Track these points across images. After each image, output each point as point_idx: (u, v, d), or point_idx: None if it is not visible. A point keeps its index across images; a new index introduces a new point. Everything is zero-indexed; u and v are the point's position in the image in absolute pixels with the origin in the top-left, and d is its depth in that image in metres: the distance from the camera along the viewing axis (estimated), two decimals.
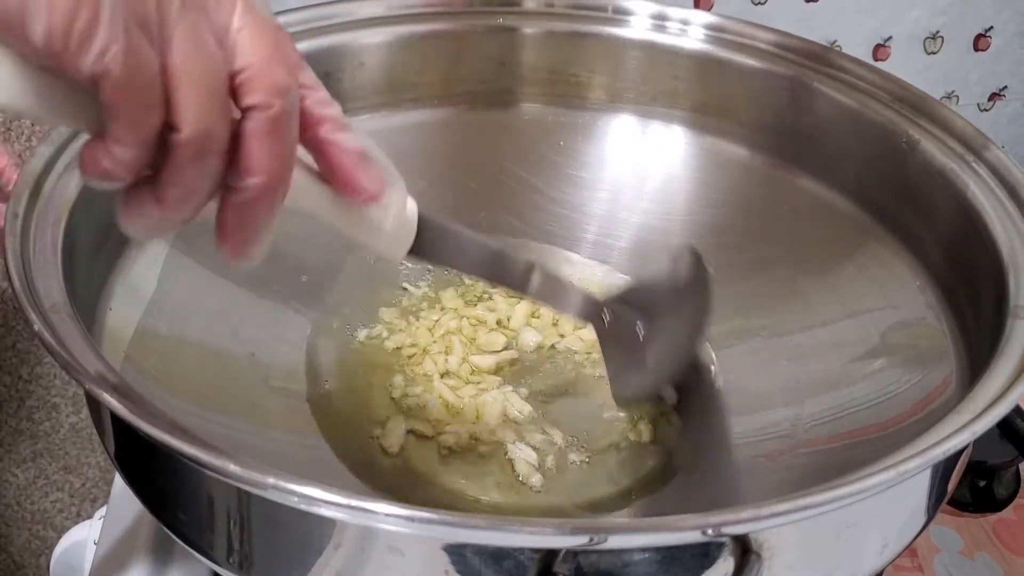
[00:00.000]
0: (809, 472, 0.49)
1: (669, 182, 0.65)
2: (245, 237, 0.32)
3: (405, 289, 0.61)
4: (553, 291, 0.47)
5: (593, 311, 0.49)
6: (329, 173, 0.35)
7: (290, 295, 0.58)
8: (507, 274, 0.46)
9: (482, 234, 0.44)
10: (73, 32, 0.26)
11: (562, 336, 0.59)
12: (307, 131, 0.33)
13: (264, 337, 0.55)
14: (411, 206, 0.40)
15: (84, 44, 0.26)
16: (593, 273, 0.63)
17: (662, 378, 0.52)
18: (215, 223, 0.32)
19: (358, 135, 0.35)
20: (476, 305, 0.60)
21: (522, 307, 0.60)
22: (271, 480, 0.33)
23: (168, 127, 0.29)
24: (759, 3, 0.87)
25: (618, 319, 0.50)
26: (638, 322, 0.50)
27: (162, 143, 0.29)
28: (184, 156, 0.29)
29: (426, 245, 0.41)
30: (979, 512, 0.63)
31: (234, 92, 0.30)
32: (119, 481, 0.55)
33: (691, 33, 0.64)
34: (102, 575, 0.49)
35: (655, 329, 0.49)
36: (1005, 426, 0.47)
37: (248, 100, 0.30)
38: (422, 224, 0.40)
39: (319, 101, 0.34)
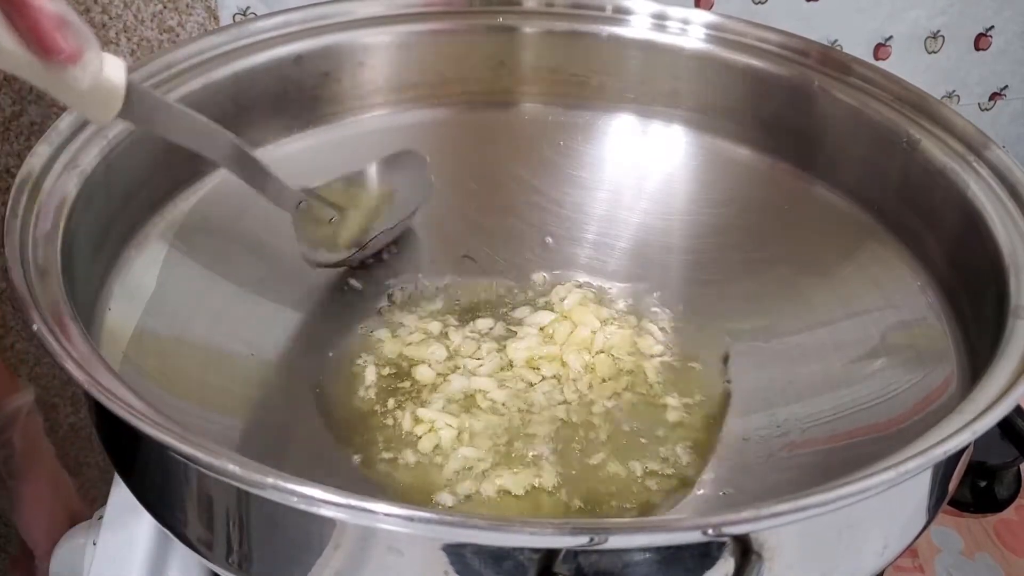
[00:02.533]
0: (809, 472, 0.49)
1: (669, 182, 0.65)
2: None
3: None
4: (252, 173, 0.51)
5: (289, 200, 0.54)
6: (27, 34, 0.37)
7: (290, 295, 0.58)
8: (210, 147, 0.49)
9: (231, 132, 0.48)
10: None
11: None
12: None
13: (264, 337, 0.55)
14: (116, 72, 0.41)
15: None
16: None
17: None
18: None
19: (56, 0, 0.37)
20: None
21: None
22: (271, 480, 0.33)
23: None
24: (759, 3, 0.87)
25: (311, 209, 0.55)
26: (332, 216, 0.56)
27: None
28: None
29: (137, 111, 0.43)
30: (980, 513, 0.63)
31: None
32: (119, 481, 0.55)
33: (691, 33, 0.64)
34: (102, 575, 0.49)
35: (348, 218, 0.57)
36: (1006, 426, 0.47)
37: None
38: (132, 91, 0.42)
39: None
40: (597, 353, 0.58)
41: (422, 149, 0.64)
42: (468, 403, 0.55)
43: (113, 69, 0.41)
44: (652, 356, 0.58)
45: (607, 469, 0.51)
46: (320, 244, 0.57)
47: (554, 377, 0.57)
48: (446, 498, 0.49)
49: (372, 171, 0.59)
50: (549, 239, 0.65)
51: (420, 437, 0.52)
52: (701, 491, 0.51)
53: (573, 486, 0.51)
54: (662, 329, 0.60)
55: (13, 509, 0.68)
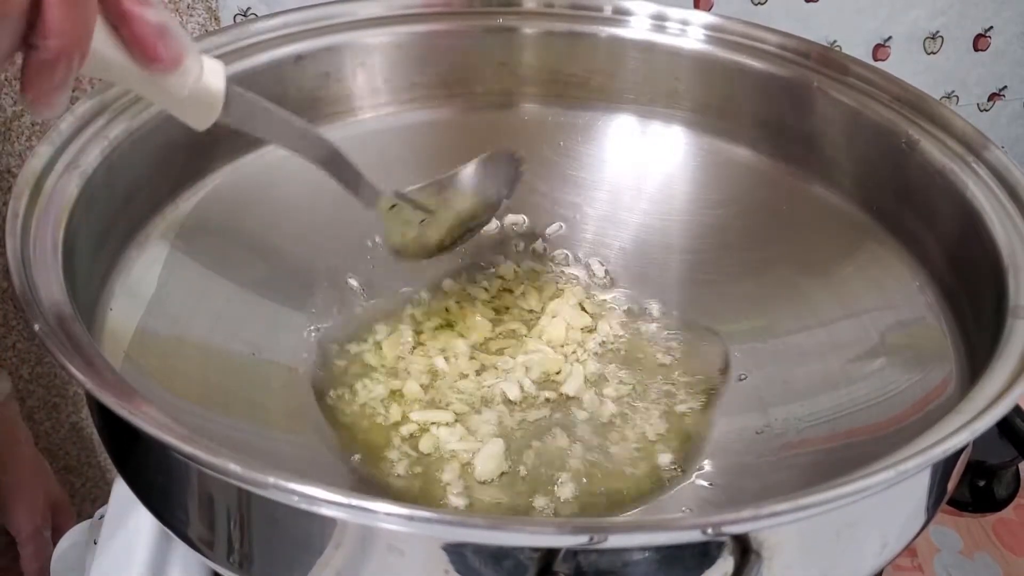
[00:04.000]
0: (808, 472, 0.49)
1: (669, 182, 0.65)
2: (45, 89, 0.36)
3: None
4: (346, 175, 0.51)
5: (382, 203, 0.54)
6: (130, 43, 0.38)
7: (291, 295, 0.58)
8: (306, 149, 0.49)
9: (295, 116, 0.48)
10: None
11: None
12: (110, 4, 0.37)
13: (264, 337, 0.55)
14: (215, 78, 0.43)
15: None
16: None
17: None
18: (21, 74, 0.35)
19: (157, 10, 0.38)
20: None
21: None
22: (272, 479, 0.33)
23: None
24: (759, 3, 0.87)
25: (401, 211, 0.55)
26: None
27: None
28: None
29: (235, 114, 0.44)
30: (979, 512, 0.63)
31: None
32: (119, 481, 0.55)
33: (691, 33, 0.64)
34: (102, 575, 0.49)
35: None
36: (1005, 426, 0.47)
37: None
38: (231, 95, 0.43)
39: None
40: (592, 353, 0.59)
41: (422, 149, 0.65)
42: (467, 403, 0.55)
43: (213, 75, 0.43)
44: (651, 356, 0.59)
45: (603, 467, 0.52)
46: (408, 245, 0.57)
47: (552, 378, 0.57)
48: (447, 497, 0.50)
49: (467, 172, 0.58)
50: (549, 239, 0.65)
51: (419, 437, 0.53)
52: (700, 486, 0.51)
53: (569, 485, 0.51)
54: (661, 329, 0.60)
55: None
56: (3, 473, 0.70)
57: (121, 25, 0.38)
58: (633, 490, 0.51)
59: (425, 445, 0.52)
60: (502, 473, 0.51)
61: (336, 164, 0.50)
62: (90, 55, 0.36)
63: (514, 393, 0.55)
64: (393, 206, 0.54)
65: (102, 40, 0.37)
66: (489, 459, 0.51)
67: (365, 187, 0.52)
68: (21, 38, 0.34)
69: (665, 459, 0.53)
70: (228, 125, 0.44)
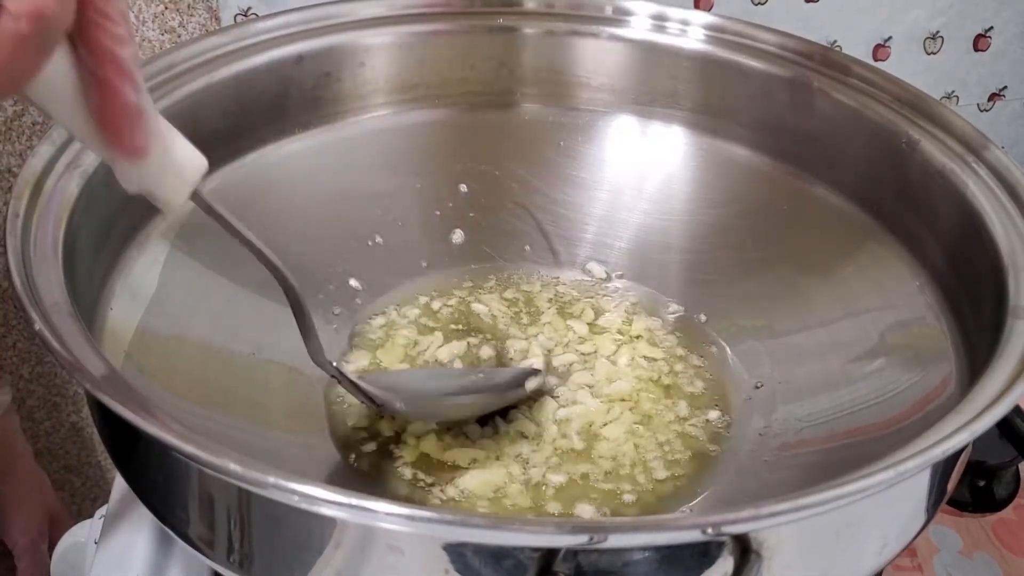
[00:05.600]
0: (808, 472, 0.49)
1: (669, 182, 0.65)
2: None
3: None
4: (301, 318, 0.47)
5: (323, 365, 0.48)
6: (100, 115, 0.34)
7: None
8: (276, 271, 0.45)
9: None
10: None
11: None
12: (94, 64, 0.33)
13: (265, 337, 0.55)
14: (179, 184, 0.38)
15: None
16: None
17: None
18: None
19: (138, 85, 0.34)
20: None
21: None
22: (272, 479, 0.33)
23: None
24: (759, 3, 0.87)
25: None
26: None
27: None
28: None
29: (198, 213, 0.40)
30: (979, 512, 0.63)
31: None
32: (119, 480, 0.55)
33: (691, 33, 0.64)
34: (102, 575, 0.49)
35: None
36: (1005, 426, 0.47)
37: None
38: (198, 201, 0.39)
39: (114, 36, 0.33)
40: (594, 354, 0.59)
41: (422, 149, 0.65)
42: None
43: (177, 180, 0.38)
44: (650, 357, 0.59)
45: (605, 466, 0.52)
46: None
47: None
48: (449, 492, 0.50)
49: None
50: (549, 239, 0.65)
51: (421, 437, 0.53)
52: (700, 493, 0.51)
53: (570, 486, 0.51)
54: (661, 329, 0.60)
55: None
56: (1, 485, 0.70)
57: (99, 93, 0.33)
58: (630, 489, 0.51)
59: (428, 444, 0.52)
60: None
61: (295, 305, 0.46)
62: (42, 83, 0.32)
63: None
64: (332, 375, 0.49)
65: (62, 78, 0.33)
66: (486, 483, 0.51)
67: (313, 342, 0.48)
68: None
69: (662, 457, 0.52)
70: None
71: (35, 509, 0.70)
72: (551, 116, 0.67)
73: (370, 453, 0.51)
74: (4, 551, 0.70)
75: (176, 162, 0.38)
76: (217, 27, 0.81)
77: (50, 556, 0.64)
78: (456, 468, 0.51)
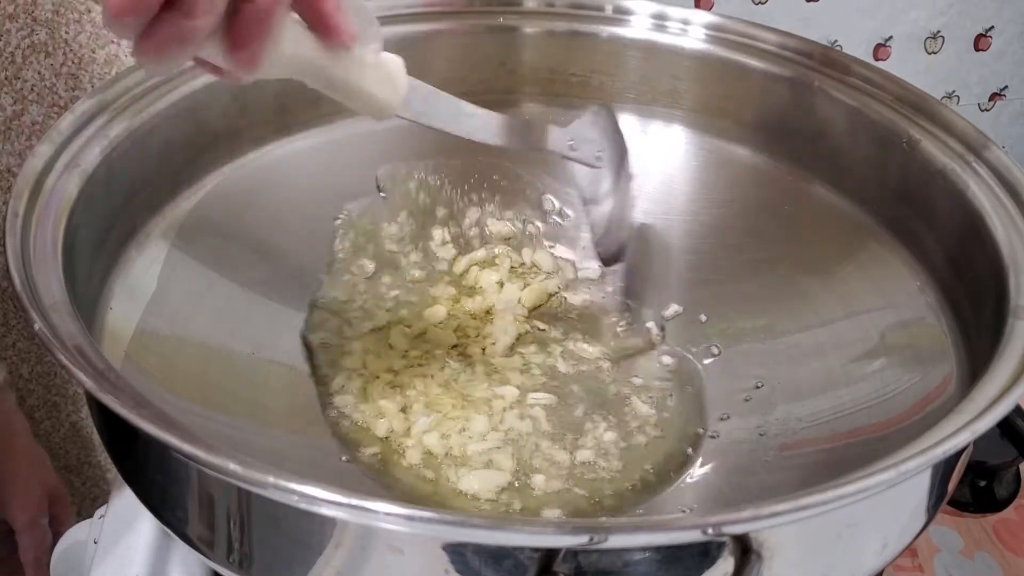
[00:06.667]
0: (808, 472, 0.49)
1: (669, 182, 0.65)
2: (255, 45, 0.38)
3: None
4: (529, 138, 0.52)
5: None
6: (313, 22, 0.41)
7: (291, 294, 0.58)
8: (480, 130, 0.50)
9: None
10: None
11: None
12: None
13: (265, 337, 0.55)
14: (395, 61, 0.45)
15: None
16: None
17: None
18: (228, 37, 0.37)
19: None
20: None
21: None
22: (272, 479, 0.33)
23: None
24: (759, 3, 0.87)
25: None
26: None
27: None
28: None
29: (414, 102, 0.46)
30: (979, 512, 0.63)
31: None
32: (119, 481, 0.55)
33: (691, 33, 0.64)
34: (102, 575, 0.49)
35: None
36: (1005, 426, 0.47)
37: None
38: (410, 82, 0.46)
39: None
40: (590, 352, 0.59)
41: (422, 149, 0.65)
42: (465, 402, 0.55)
43: (392, 59, 0.45)
44: (650, 357, 0.59)
45: (600, 464, 0.52)
46: None
47: (548, 374, 0.58)
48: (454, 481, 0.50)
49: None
50: (549, 239, 0.65)
51: (420, 437, 0.53)
52: (700, 486, 0.51)
53: (564, 483, 0.51)
54: (661, 329, 0.60)
55: None
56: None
57: (304, 4, 0.39)
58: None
59: (430, 443, 0.52)
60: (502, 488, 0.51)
61: (513, 133, 0.50)
62: (275, 52, 0.38)
63: (513, 395, 0.55)
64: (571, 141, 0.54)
65: (292, 24, 0.39)
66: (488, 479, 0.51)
67: (549, 134, 0.53)
68: None
69: (661, 457, 0.52)
70: (403, 117, 0.46)
71: (34, 485, 0.70)
72: (551, 116, 0.66)
73: (370, 453, 0.51)
74: (6, 530, 0.70)
75: (388, 71, 0.45)
76: None
77: (52, 533, 0.64)
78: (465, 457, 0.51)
